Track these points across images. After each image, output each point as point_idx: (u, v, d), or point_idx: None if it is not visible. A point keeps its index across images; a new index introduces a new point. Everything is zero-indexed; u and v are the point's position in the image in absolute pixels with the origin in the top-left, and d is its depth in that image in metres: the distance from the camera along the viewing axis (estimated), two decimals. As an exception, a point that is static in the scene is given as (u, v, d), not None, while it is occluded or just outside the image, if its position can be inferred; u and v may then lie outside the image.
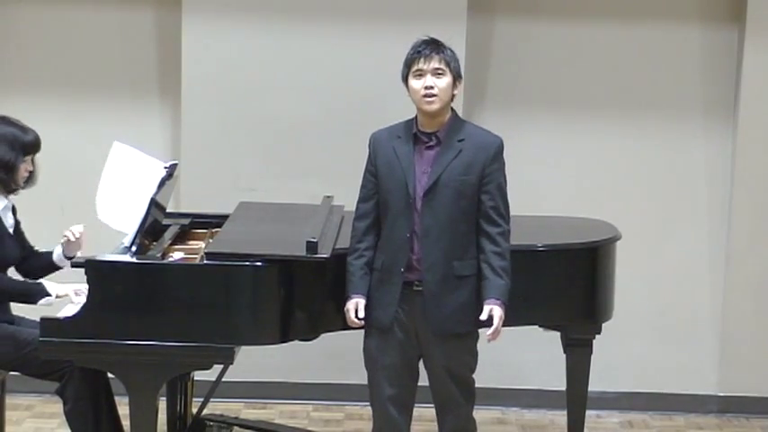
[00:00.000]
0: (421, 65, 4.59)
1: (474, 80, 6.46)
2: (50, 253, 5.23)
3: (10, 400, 5.61)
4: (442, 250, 4.59)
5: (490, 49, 6.58)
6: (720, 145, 6.62)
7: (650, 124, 6.62)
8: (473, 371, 4.75)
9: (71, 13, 6.52)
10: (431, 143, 4.63)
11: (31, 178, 5.19)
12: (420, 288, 4.61)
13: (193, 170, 6.35)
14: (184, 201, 6.31)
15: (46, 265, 5.23)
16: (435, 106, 4.59)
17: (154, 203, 5.00)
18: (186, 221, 5.51)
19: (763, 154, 6.53)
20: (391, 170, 4.63)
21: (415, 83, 4.61)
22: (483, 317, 4.57)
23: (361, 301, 4.66)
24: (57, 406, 5.25)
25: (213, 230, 5.39)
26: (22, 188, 5.18)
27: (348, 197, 5.60)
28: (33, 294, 5.04)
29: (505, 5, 6.57)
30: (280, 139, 6.44)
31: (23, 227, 5.30)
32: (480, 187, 4.61)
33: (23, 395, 6.38)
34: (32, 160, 5.17)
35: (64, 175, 6.56)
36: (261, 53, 6.40)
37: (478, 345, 4.74)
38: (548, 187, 6.58)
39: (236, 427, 5.80)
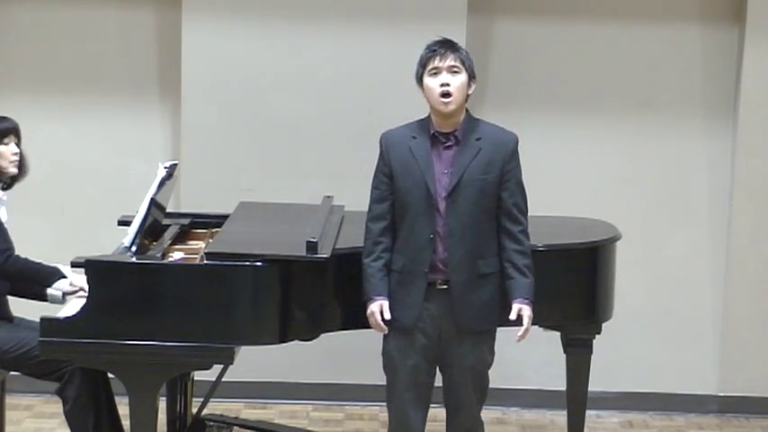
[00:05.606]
0: (437, 63, 4.55)
1: (474, 80, 6.47)
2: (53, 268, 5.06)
3: (10, 400, 5.61)
4: (466, 250, 4.57)
5: (490, 49, 6.58)
6: (720, 145, 6.62)
7: (650, 124, 6.61)
8: (490, 368, 4.73)
9: (71, 13, 6.52)
10: (449, 143, 4.61)
11: (21, 167, 5.12)
12: (444, 287, 4.59)
13: (193, 170, 6.35)
14: (184, 201, 6.31)
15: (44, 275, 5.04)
16: (452, 107, 4.56)
17: (154, 203, 5.00)
18: (186, 221, 5.51)
19: (763, 154, 6.52)
20: (408, 171, 4.59)
21: (430, 81, 4.56)
22: (512, 316, 4.57)
23: (386, 303, 4.60)
24: (57, 406, 5.25)
25: (213, 230, 5.39)
26: (17, 179, 5.12)
27: (348, 197, 5.60)
28: (48, 275, 4.99)
29: (505, 5, 6.57)
30: (280, 139, 6.44)
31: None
32: (500, 185, 4.60)
33: (23, 395, 6.38)
34: (17, 144, 5.09)
35: (64, 175, 6.56)
36: (261, 53, 6.40)
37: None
38: (547, 187, 6.56)
39: (236, 427, 5.79)
